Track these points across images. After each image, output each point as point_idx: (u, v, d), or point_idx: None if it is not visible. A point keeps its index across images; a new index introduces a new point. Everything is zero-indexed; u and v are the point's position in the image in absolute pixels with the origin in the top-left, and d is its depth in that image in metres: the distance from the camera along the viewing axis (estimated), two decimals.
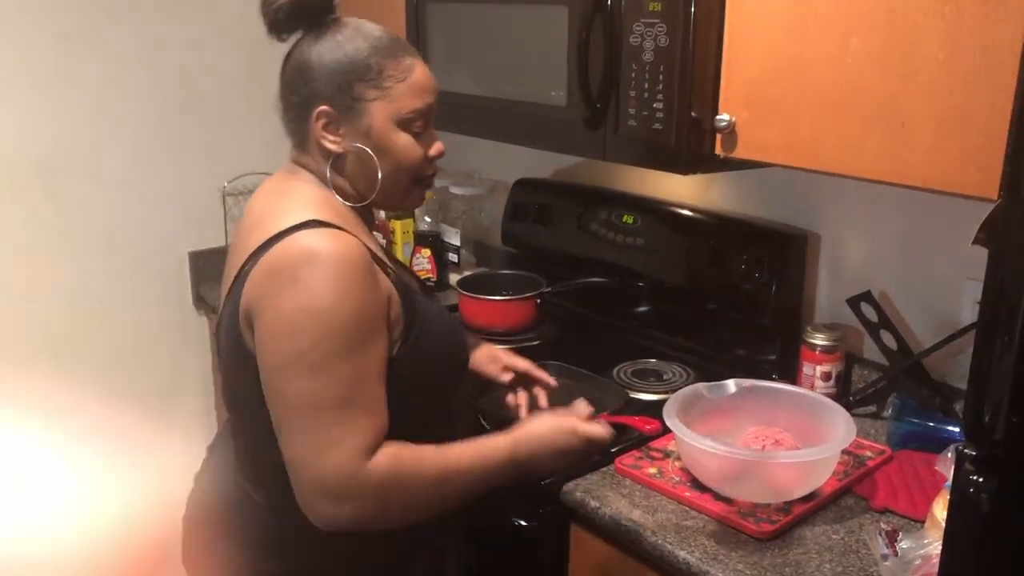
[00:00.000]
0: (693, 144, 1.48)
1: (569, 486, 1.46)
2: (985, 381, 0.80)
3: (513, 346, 1.96)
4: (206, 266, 2.45)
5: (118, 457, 2.42)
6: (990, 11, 1.13)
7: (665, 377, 1.83)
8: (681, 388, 1.56)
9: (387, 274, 1.18)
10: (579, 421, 1.28)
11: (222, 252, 2.44)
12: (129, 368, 2.40)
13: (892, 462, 1.51)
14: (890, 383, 1.66)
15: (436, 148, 1.26)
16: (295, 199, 1.18)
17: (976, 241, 0.79)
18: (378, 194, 1.22)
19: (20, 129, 2.13)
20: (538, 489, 1.47)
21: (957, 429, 1.50)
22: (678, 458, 1.48)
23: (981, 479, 0.82)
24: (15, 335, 2.21)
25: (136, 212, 2.33)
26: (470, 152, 2.51)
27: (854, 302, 1.65)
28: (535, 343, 2.00)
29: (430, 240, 2.36)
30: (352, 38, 1.19)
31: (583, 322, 2.13)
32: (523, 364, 1.53)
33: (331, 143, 1.20)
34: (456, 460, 1.17)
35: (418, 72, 1.21)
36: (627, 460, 1.50)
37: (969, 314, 1.57)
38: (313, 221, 1.12)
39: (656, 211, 1.97)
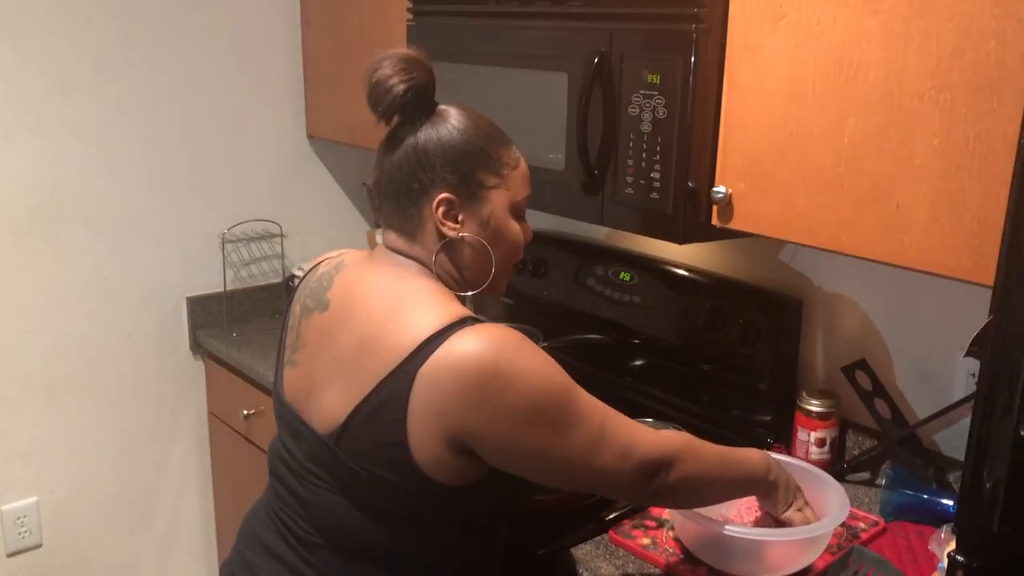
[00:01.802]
0: (690, 214, 1.49)
1: (562, 556, 1.46)
2: (978, 494, 0.81)
3: None
4: (204, 311, 2.46)
5: (114, 499, 2.41)
6: (983, 100, 1.15)
7: None
8: None
9: None
10: None
11: (220, 297, 2.46)
12: (125, 412, 2.39)
13: (885, 534, 1.51)
14: (884, 452, 1.66)
15: (529, 233, 1.29)
16: (426, 296, 1.16)
17: (968, 354, 0.80)
18: (488, 281, 1.23)
19: (21, 175, 2.14)
20: (531, 559, 1.47)
21: (951, 503, 1.50)
22: (672, 528, 1.47)
23: None
24: (11, 379, 2.21)
25: (135, 257, 2.34)
26: None
27: (848, 370, 1.65)
28: None
29: None
30: (467, 126, 1.19)
31: (579, 377, 2.12)
32: None
33: (451, 230, 1.18)
34: (731, 451, 1.28)
35: (523, 161, 1.25)
36: (621, 529, 1.50)
37: (963, 385, 1.57)
38: (468, 318, 1.11)
39: (653, 270, 1.98)
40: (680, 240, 1.51)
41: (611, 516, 1.53)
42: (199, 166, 2.39)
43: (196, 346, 2.47)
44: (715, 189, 1.46)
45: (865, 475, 1.71)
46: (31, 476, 2.28)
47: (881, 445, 1.66)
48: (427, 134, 1.18)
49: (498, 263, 1.23)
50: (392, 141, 1.20)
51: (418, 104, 1.18)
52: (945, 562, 1.11)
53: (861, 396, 1.65)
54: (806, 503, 1.37)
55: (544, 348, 2.03)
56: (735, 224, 1.47)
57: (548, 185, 1.69)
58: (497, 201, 1.21)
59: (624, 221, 1.59)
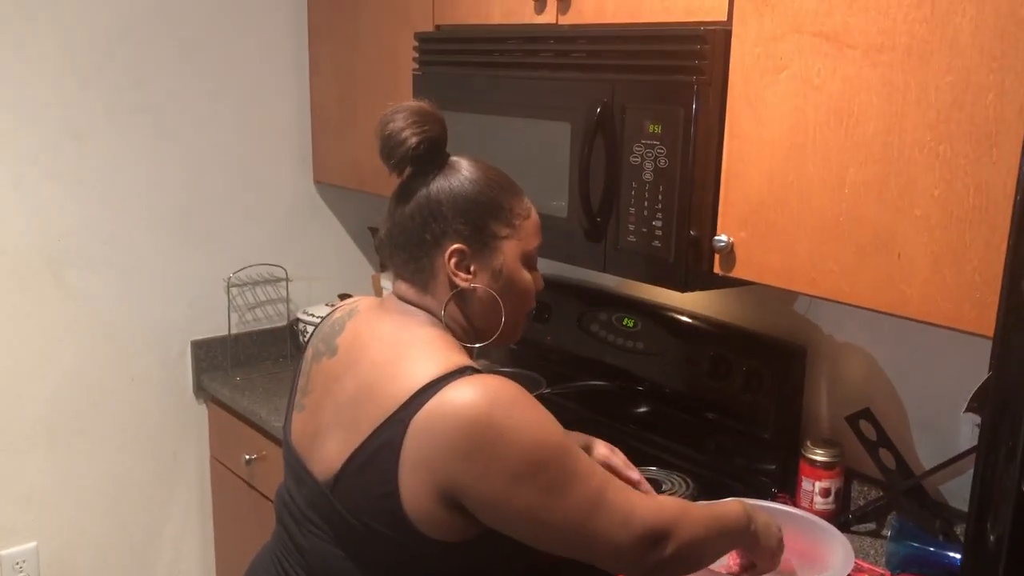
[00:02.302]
0: (692, 262, 1.50)
1: None
2: (982, 548, 0.80)
3: None
4: (208, 355, 2.46)
5: (114, 544, 2.40)
6: (983, 153, 1.15)
7: (664, 488, 1.81)
8: None
9: None
10: None
11: (225, 341, 2.46)
12: (127, 456, 2.39)
13: None
14: (890, 502, 1.65)
15: (540, 283, 1.29)
16: (427, 345, 1.15)
17: (969, 409, 0.79)
18: (499, 331, 1.23)
19: (30, 219, 2.16)
20: None
21: (958, 555, 1.48)
22: None
23: None
24: (13, 422, 2.21)
25: (141, 301, 2.35)
26: None
27: (853, 419, 1.64)
28: None
29: None
30: (478, 177, 1.20)
31: (582, 424, 2.11)
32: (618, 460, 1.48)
33: (463, 280, 1.18)
34: (715, 508, 1.25)
35: (534, 211, 1.25)
36: None
37: (969, 436, 1.56)
38: (466, 368, 1.10)
39: (657, 316, 1.98)
40: (682, 288, 1.51)
41: None
42: (206, 211, 2.41)
43: (200, 390, 2.47)
44: (717, 238, 1.47)
45: (871, 526, 1.69)
46: (31, 520, 2.27)
47: (887, 496, 1.65)
48: (439, 185, 1.18)
49: (509, 313, 1.22)
50: (404, 193, 1.20)
51: (430, 156, 1.18)
52: None
53: (865, 446, 1.64)
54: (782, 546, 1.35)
55: (547, 394, 2.05)
56: (737, 272, 1.47)
57: (551, 232, 1.68)
58: (509, 251, 1.21)
59: (627, 269, 1.59)
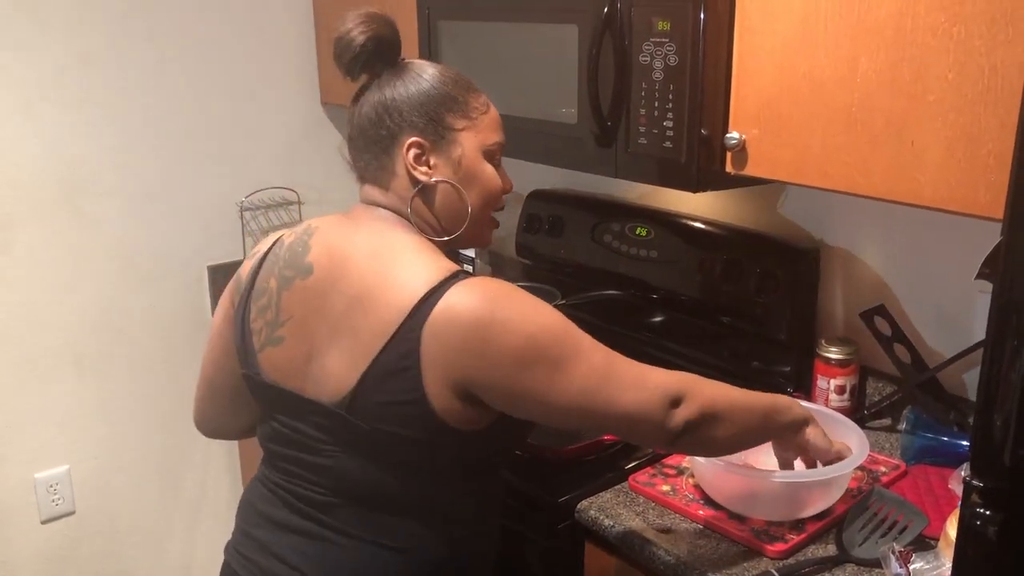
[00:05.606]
0: (703, 161, 1.49)
1: (584, 504, 1.47)
2: (991, 415, 0.81)
3: None
4: (225, 279, 2.46)
5: (142, 466, 2.46)
6: (998, 32, 1.13)
7: None
8: None
9: None
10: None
11: (240, 266, 2.47)
12: (151, 381, 2.43)
13: (906, 477, 1.51)
14: (905, 396, 1.66)
15: (508, 182, 1.28)
16: (410, 251, 1.16)
17: (980, 276, 0.79)
18: (465, 228, 1.23)
19: (44, 147, 2.16)
20: (553, 506, 1.48)
21: None
22: (691, 476, 1.48)
23: (988, 511, 0.82)
24: (41, 349, 2.25)
25: (156, 227, 2.36)
26: None
27: (867, 316, 1.64)
28: None
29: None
30: (432, 74, 1.21)
31: (597, 334, 2.12)
32: None
33: (423, 174, 1.19)
34: (748, 392, 1.25)
35: (493, 107, 1.26)
36: (641, 477, 1.51)
37: (983, 327, 1.56)
38: (459, 273, 1.13)
39: (669, 223, 1.98)
40: (694, 188, 1.51)
41: (631, 465, 1.55)
42: (215, 135, 2.40)
43: None
44: (728, 135, 1.45)
45: (886, 421, 1.71)
46: (62, 444, 2.32)
47: (902, 390, 1.66)
48: (393, 84, 1.20)
49: (474, 208, 1.23)
50: (361, 96, 1.23)
51: (380, 56, 1.20)
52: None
53: (880, 341, 1.65)
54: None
55: (562, 306, 2.06)
56: (749, 170, 1.46)
57: (561, 140, 1.69)
58: (467, 143, 1.21)
59: (638, 172, 1.58)
